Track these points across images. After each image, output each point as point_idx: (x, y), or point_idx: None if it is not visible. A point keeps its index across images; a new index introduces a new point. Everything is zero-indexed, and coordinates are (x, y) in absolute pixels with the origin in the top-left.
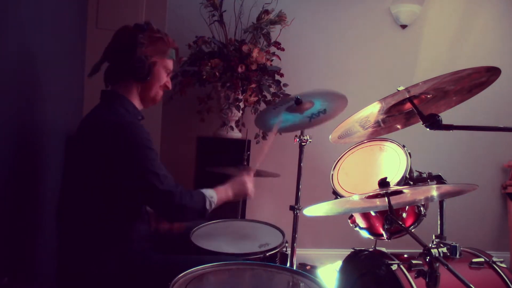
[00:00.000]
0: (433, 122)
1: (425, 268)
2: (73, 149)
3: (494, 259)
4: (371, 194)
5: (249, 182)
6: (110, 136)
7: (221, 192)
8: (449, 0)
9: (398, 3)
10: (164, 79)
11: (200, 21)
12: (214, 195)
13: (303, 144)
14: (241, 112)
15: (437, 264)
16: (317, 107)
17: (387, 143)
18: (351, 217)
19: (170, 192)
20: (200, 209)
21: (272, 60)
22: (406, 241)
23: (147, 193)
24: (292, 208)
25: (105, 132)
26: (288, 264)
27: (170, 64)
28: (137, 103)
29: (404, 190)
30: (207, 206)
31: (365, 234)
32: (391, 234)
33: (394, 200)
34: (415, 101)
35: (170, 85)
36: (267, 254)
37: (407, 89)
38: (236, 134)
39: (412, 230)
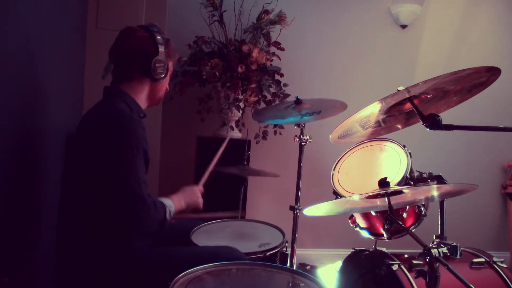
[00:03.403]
0: (433, 122)
1: (425, 268)
2: (73, 146)
3: (495, 259)
4: (371, 194)
5: (199, 193)
6: (103, 128)
7: (176, 202)
8: (449, 0)
9: (398, 3)
10: (168, 81)
11: (200, 21)
12: (172, 205)
13: (303, 144)
14: (241, 112)
15: (437, 264)
16: (313, 110)
17: (388, 143)
18: (351, 217)
19: (143, 200)
20: (161, 220)
21: (272, 60)
22: (406, 241)
23: (122, 192)
24: (292, 208)
25: (99, 125)
26: (288, 264)
27: (172, 66)
28: (142, 101)
29: (404, 190)
30: (167, 216)
31: (365, 234)
32: (392, 234)
33: (395, 200)
34: (415, 101)
35: (168, 87)
36: (267, 254)
37: (407, 89)
38: (236, 134)
39: (413, 230)
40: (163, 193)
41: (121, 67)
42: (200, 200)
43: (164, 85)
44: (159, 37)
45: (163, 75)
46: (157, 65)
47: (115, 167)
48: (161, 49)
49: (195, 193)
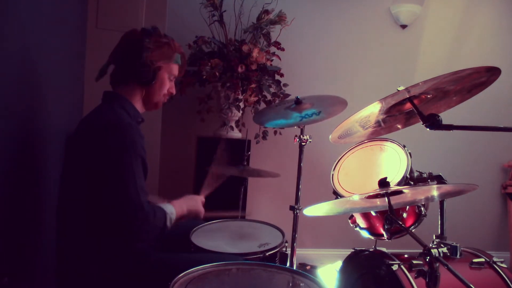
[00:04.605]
0: (433, 122)
1: (425, 268)
2: (71, 148)
3: (495, 259)
4: (371, 194)
5: (201, 202)
6: (102, 134)
7: (178, 208)
8: (449, 0)
9: (398, 3)
10: (167, 85)
11: (200, 21)
12: (173, 211)
13: (303, 144)
14: (241, 112)
15: (437, 264)
16: (313, 110)
17: (388, 143)
18: (351, 217)
19: (141, 207)
20: (161, 227)
21: (272, 60)
22: (406, 241)
23: (120, 199)
24: (292, 208)
25: (98, 131)
26: (288, 264)
27: (175, 69)
28: (138, 106)
29: (404, 190)
30: (168, 224)
31: (365, 234)
32: (392, 234)
33: (395, 200)
34: (415, 101)
35: (174, 90)
36: (267, 254)
37: (407, 89)
38: (236, 134)
39: (413, 230)
40: (163, 194)
41: (116, 70)
42: (202, 209)
43: (158, 89)
44: (147, 40)
45: (149, 79)
46: (140, 69)
47: (113, 175)
48: (147, 53)
49: (197, 201)
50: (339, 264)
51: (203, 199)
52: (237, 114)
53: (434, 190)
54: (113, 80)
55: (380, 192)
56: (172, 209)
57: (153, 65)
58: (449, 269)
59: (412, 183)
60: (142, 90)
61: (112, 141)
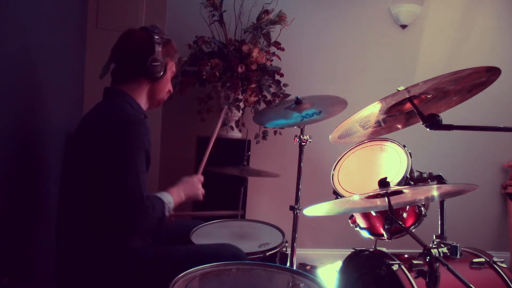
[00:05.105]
0: (433, 122)
1: (425, 268)
2: (73, 147)
3: (495, 259)
4: (371, 194)
5: (199, 183)
6: (104, 130)
7: (175, 195)
8: (449, 0)
9: (398, 3)
10: (169, 81)
11: (200, 21)
12: (171, 200)
13: (303, 144)
14: (241, 112)
15: (437, 264)
16: (313, 109)
17: (388, 143)
18: (351, 217)
19: (141, 201)
20: (160, 217)
21: (272, 60)
22: (406, 241)
23: (121, 193)
24: (292, 208)
25: (99, 128)
26: (288, 264)
27: (174, 67)
28: (142, 102)
29: (404, 190)
30: (166, 213)
31: (365, 234)
32: (392, 234)
33: (395, 200)
34: (415, 101)
35: (171, 89)
36: (267, 254)
37: (407, 89)
38: (236, 134)
39: (413, 230)
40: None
41: (120, 67)
42: (201, 191)
43: (164, 85)
44: (156, 37)
45: (160, 74)
46: (153, 64)
47: (116, 167)
48: (158, 48)
49: (195, 184)
50: (339, 264)
51: (201, 178)
52: (237, 114)
53: (434, 190)
54: (115, 78)
55: (380, 192)
56: (170, 199)
57: (164, 60)
58: (449, 269)
59: (412, 183)
60: (149, 86)
61: (116, 134)
